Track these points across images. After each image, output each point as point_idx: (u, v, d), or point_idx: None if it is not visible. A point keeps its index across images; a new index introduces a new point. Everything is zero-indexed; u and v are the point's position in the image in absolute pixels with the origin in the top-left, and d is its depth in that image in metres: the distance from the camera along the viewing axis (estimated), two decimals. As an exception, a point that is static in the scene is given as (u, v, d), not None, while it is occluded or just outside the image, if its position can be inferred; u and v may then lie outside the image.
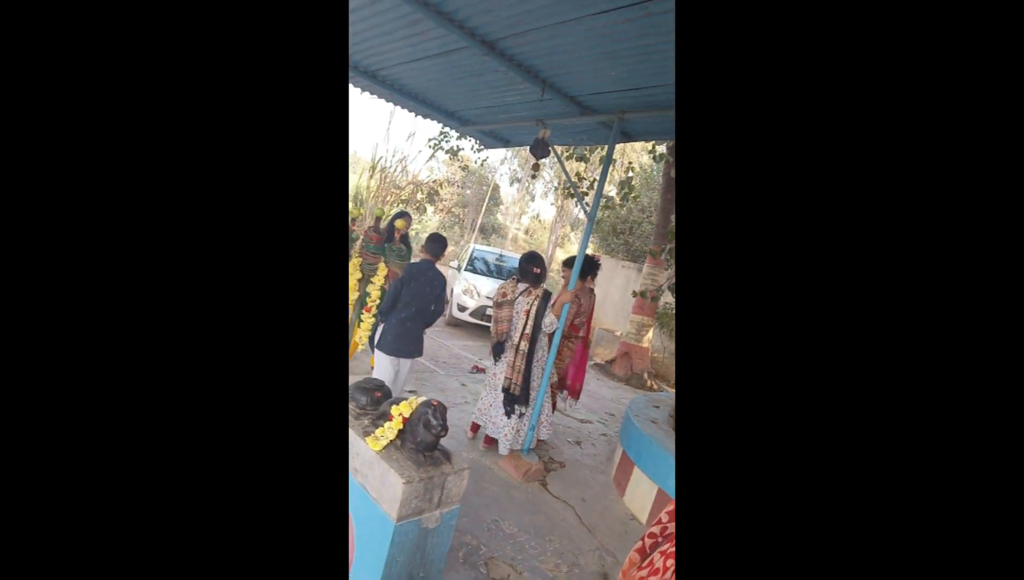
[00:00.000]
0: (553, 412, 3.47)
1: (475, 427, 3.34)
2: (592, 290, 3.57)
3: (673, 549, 0.86)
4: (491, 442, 3.19)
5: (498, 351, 3.16)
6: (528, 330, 3.02)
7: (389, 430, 1.53)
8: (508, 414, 3.08)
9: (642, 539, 1.02)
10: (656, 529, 0.99)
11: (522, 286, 3.18)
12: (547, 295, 3.11)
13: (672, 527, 0.97)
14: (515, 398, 3.03)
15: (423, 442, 1.49)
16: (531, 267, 3.14)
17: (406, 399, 1.57)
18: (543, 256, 3.88)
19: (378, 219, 1.88)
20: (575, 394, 3.64)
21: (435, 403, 1.51)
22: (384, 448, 1.51)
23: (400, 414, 1.52)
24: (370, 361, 4.27)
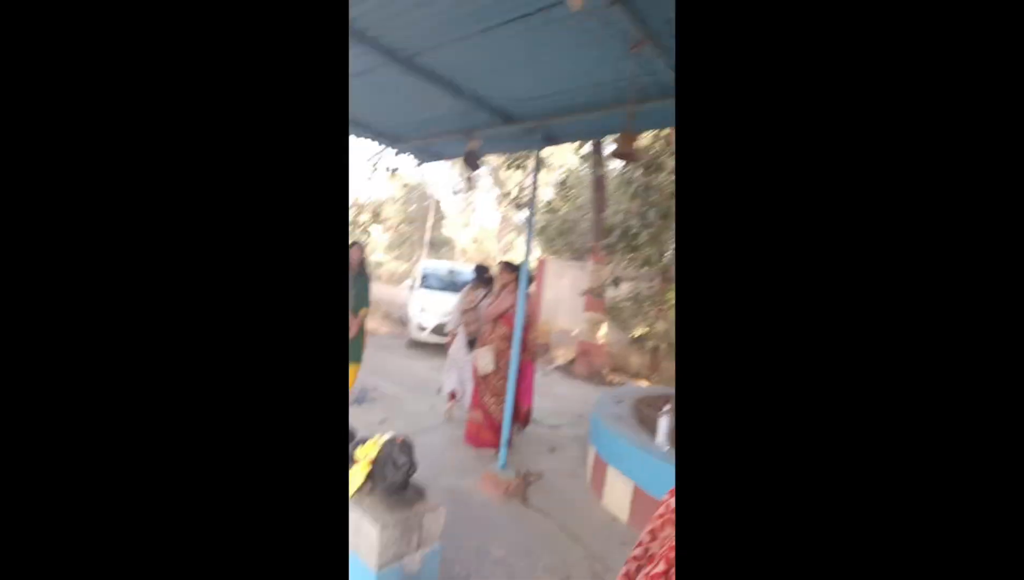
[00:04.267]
0: (510, 447, 3.46)
1: (453, 395, 4.09)
2: (513, 294, 3.49)
3: (656, 571, 0.84)
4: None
5: (471, 343, 3.92)
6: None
7: (357, 474, 1.44)
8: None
9: (626, 563, 0.99)
10: (638, 551, 0.97)
11: (481, 292, 4.04)
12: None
13: (654, 547, 0.95)
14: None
15: (393, 483, 1.41)
16: (483, 274, 4.19)
17: (372, 439, 1.49)
18: (488, 265, 4.44)
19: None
20: (523, 419, 3.64)
21: (400, 440, 1.44)
22: (354, 495, 1.41)
23: (366, 457, 1.43)
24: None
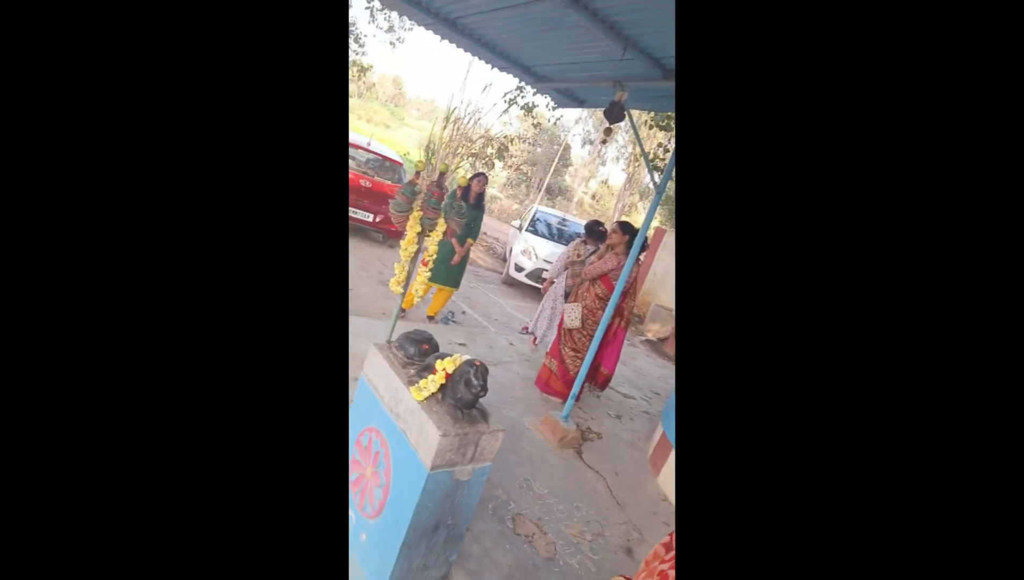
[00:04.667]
0: (578, 401, 3.49)
1: (535, 340, 4.31)
2: (620, 257, 3.38)
3: None
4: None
5: (567, 296, 4.00)
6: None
7: (432, 383, 1.58)
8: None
9: (670, 535, 1.01)
10: None
11: (591, 248, 4.00)
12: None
13: None
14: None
15: (463, 399, 1.53)
16: (597, 227, 4.13)
17: (451, 356, 1.61)
18: (602, 222, 4.27)
19: (442, 174, 1.87)
20: (601, 382, 3.59)
21: (478, 363, 1.54)
22: (426, 399, 1.57)
23: (444, 369, 1.56)
24: (427, 310, 4.42)
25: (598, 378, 3.57)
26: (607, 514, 2.45)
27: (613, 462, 3.00)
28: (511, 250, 7.60)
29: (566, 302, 3.95)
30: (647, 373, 5.39)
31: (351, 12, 10.68)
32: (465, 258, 4.21)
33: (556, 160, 19.94)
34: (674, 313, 7.46)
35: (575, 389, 3.09)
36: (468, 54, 3.63)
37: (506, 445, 2.69)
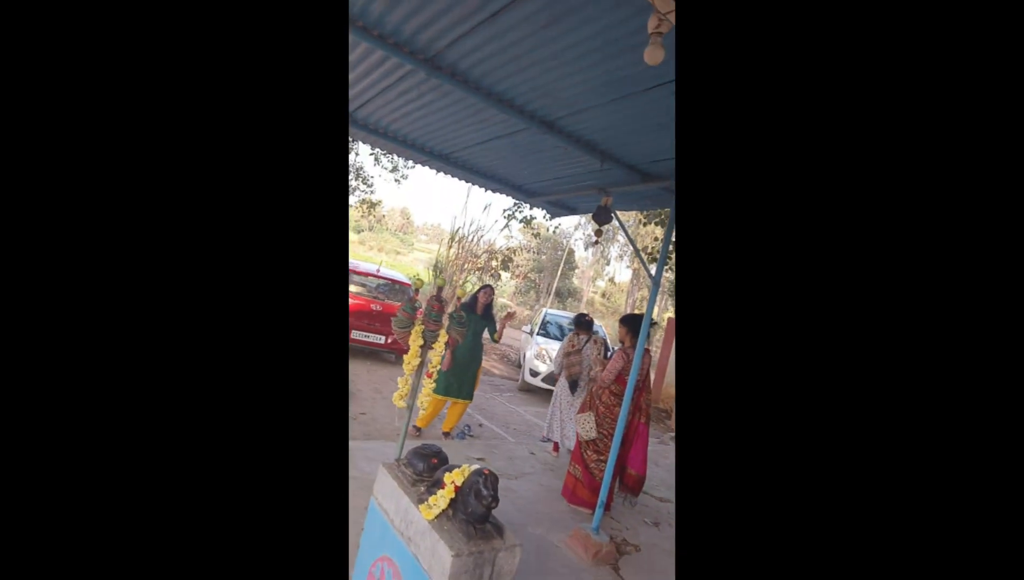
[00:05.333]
0: (608, 510, 3.27)
1: (556, 447, 4.31)
2: (629, 352, 3.34)
3: None
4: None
5: (573, 386, 4.13)
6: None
7: (441, 498, 1.53)
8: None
9: None
10: None
11: (583, 337, 4.20)
12: (605, 342, 4.28)
13: None
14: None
15: (474, 513, 1.47)
16: (583, 318, 4.37)
17: (459, 467, 1.57)
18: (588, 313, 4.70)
19: (440, 289, 1.98)
20: (632, 485, 3.30)
21: (486, 472, 1.50)
22: (436, 518, 1.50)
23: (452, 482, 1.52)
24: (442, 427, 4.33)
25: (628, 481, 3.34)
26: (654, 640, 2.17)
27: (655, 576, 2.72)
28: (525, 355, 7.59)
29: (573, 393, 4.12)
30: (681, 471, 5.05)
31: (358, 159, 11.92)
32: (476, 369, 4.22)
33: (562, 264, 20.65)
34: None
35: (602, 496, 2.91)
36: (465, 181, 4.00)
37: (534, 567, 2.47)
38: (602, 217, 3.27)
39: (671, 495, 4.17)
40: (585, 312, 4.61)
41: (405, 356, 1.88)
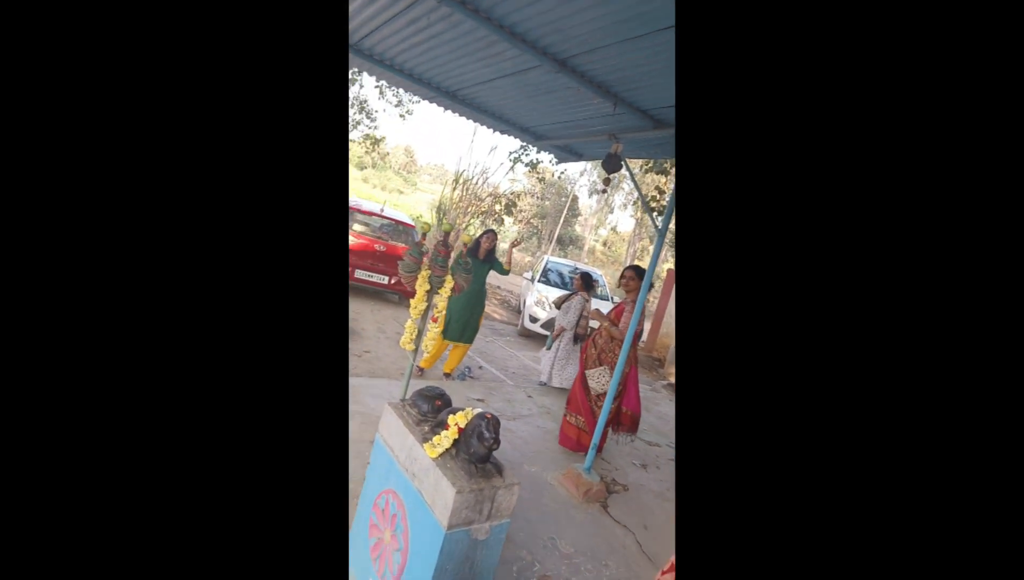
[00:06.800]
0: (600, 452, 3.40)
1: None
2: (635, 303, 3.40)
3: None
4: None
5: (577, 338, 4.60)
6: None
7: (445, 438, 1.58)
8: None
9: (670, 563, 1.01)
10: None
11: (583, 296, 4.64)
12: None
13: None
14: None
15: (476, 453, 1.53)
16: (591, 280, 4.83)
17: (463, 410, 1.62)
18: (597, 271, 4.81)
19: (446, 233, 1.95)
20: (628, 424, 3.43)
21: (489, 416, 1.54)
22: (440, 456, 1.56)
23: (456, 424, 1.57)
24: (443, 368, 4.44)
25: (625, 420, 3.45)
26: (638, 570, 2.33)
27: (641, 515, 2.88)
28: (525, 302, 7.66)
29: (576, 343, 4.57)
30: (671, 418, 5.24)
31: (361, 91, 11.44)
32: (479, 314, 4.26)
33: (565, 211, 20.37)
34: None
35: (595, 438, 3.02)
36: (472, 121, 3.86)
37: (528, 502, 2.61)
38: (612, 165, 3.17)
39: (659, 439, 4.34)
40: (588, 271, 4.84)
41: (412, 301, 1.89)
